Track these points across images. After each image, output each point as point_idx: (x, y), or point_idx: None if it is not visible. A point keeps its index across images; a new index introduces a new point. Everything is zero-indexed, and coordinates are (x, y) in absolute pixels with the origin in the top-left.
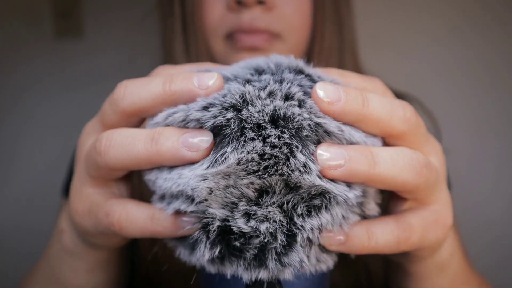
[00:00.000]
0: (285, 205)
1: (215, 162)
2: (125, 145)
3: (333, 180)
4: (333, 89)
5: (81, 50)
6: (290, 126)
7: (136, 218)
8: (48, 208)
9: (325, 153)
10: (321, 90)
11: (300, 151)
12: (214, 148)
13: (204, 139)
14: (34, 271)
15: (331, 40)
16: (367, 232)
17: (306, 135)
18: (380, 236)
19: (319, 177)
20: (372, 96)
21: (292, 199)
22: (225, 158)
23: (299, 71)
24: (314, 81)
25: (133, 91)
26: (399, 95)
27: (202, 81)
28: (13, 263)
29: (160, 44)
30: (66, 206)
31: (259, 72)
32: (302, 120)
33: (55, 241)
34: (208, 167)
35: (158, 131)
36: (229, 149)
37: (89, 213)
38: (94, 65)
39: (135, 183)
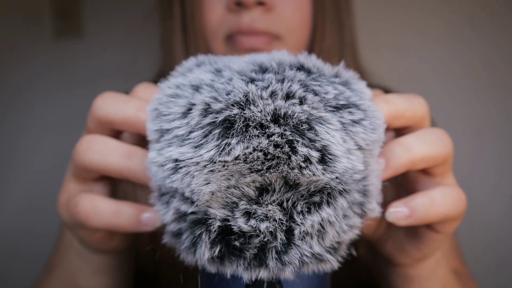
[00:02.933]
0: (285, 203)
1: (222, 150)
2: (102, 152)
3: (332, 172)
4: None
5: (81, 50)
6: (290, 123)
7: (102, 210)
8: (48, 208)
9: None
10: None
11: (302, 144)
12: (216, 138)
13: None
14: (50, 270)
15: (331, 40)
16: (428, 197)
17: (308, 128)
18: (440, 199)
19: (320, 163)
20: (390, 96)
21: (292, 197)
22: (231, 149)
23: (300, 68)
24: (313, 75)
25: (109, 105)
26: None
27: None
28: (13, 264)
29: (160, 45)
30: None
31: (263, 70)
32: (301, 115)
33: (68, 243)
34: (215, 154)
35: (134, 150)
36: (234, 140)
37: (66, 205)
38: (94, 65)
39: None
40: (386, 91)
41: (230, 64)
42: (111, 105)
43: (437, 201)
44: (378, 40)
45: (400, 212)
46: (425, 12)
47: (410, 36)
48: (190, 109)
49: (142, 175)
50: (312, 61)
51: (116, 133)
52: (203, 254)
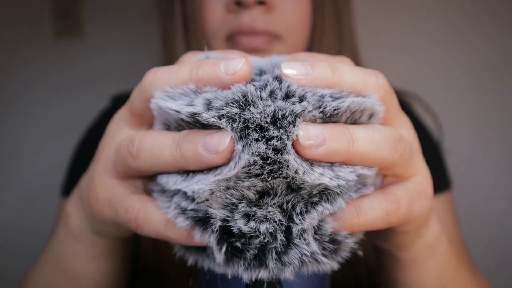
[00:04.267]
0: (284, 205)
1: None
2: (154, 150)
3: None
4: (300, 65)
5: (81, 50)
6: (290, 126)
7: (153, 219)
8: (48, 208)
9: (305, 134)
10: (288, 69)
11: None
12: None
13: (222, 139)
14: (40, 259)
15: (330, 39)
16: (355, 208)
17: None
18: (368, 210)
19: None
20: (342, 65)
21: (292, 199)
22: (238, 158)
23: None
24: None
25: (162, 78)
26: (399, 93)
27: (229, 66)
28: (12, 264)
29: (160, 44)
30: (77, 191)
31: (261, 72)
32: (301, 111)
33: (61, 226)
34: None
35: (183, 135)
36: (239, 146)
37: (109, 204)
38: (94, 65)
39: None
40: None
41: None
42: (164, 77)
43: (364, 211)
44: (378, 40)
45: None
46: (425, 12)
47: (410, 36)
48: (192, 103)
49: (198, 158)
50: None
51: None
52: (215, 254)
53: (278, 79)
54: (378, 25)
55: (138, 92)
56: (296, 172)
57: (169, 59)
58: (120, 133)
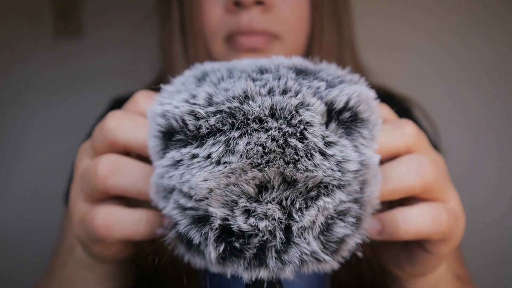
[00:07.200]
0: (284, 202)
1: (228, 150)
2: (131, 176)
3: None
4: None
5: (81, 50)
6: (287, 117)
7: (122, 219)
8: (48, 208)
9: None
10: None
11: (294, 137)
12: (218, 135)
13: None
14: (48, 284)
15: (329, 38)
16: (400, 215)
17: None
18: (415, 217)
19: (309, 156)
20: None
21: (290, 195)
22: (236, 144)
23: (299, 71)
24: (303, 74)
25: (127, 129)
26: (400, 98)
27: None
28: (13, 264)
29: (159, 45)
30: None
31: (262, 72)
32: (296, 101)
33: (68, 255)
34: (221, 154)
35: None
36: (236, 133)
37: (80, 223)
38: (94, 65)
39: None
40: (386, 91)
41: (233, 67)
42: (129, 129)
43: (411, 218)
44: (377, 40)
45: (373, 227)
46: (424, 11)
47: (409, 35)
48: (194, 97)
49: None
50: (304, 63)
51: (126, 152)
52: (210, 254)
53: (278, 78)
54: (378, 25)
55: (100, 133)
56: (293, 161)
57: (167, 60)
58: (83, 163)
